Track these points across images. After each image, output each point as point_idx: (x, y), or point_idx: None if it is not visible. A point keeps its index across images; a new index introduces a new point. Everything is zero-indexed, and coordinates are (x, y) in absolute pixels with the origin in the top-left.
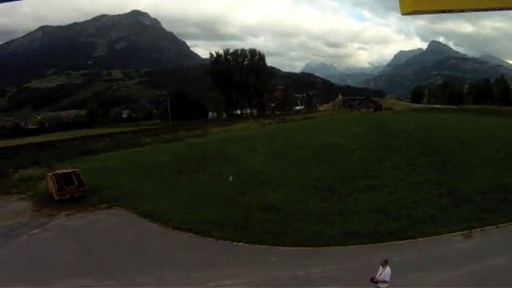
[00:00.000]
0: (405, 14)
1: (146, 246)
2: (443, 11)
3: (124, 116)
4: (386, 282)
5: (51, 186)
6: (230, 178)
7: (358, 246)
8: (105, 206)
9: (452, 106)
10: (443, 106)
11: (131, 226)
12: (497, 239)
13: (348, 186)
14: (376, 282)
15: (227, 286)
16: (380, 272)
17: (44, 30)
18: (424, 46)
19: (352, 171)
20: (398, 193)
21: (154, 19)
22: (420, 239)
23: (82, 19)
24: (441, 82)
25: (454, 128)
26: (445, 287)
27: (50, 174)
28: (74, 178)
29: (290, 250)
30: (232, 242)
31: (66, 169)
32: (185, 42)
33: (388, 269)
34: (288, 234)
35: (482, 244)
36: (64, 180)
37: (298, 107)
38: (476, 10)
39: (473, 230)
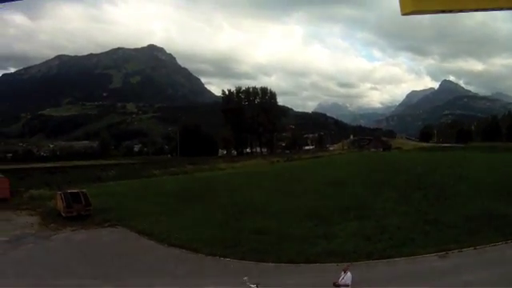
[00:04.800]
0: (405, 14)
1: (140, 258)
2: (443, 11)
3: (135, 150)
4: (347, 285)
5: (60, 203)
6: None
7: (335, 264)
8: (108, 224)
9: (460, 144)
10: (451, 145)
11: (130, 241)
12: (472, 259)
13: (339, 216)
14: (338, 286)
15: None
16: (342, 277)
17: (61, 58)
18: (434, 85)
19: (347, 203)
20: (384, 221)
21: (170, 54)
22: (397, 259)
23: (98, 51)
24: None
25: (457, 164)
26: None
27: (60, 192)
28: (82, 198)
29: (271, 266)
30: (220, 257)
31: (75, 189)
32: (199, 79)
33: (349, 274)
34: (272, 252)
35: (457, 263)
36: (72, 198)
37: (307, 147)
38: (476, 10)
39: (450, 251)
